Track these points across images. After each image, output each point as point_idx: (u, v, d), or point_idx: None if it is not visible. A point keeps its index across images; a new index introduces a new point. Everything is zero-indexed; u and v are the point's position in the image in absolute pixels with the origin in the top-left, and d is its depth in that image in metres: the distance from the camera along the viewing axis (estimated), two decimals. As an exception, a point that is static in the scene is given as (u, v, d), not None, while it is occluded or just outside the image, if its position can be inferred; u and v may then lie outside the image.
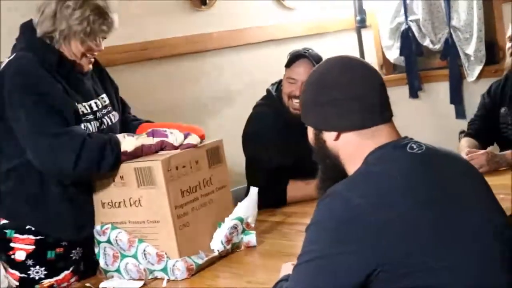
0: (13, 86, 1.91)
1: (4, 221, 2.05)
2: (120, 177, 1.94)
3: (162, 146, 1.98)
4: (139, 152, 1.95)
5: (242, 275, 1.87)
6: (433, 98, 4.24)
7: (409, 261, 1.23)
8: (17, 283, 2.04)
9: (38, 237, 2.02)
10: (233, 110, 3.52)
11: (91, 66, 2.11)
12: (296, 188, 2.58)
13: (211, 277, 1.89)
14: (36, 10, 2.00)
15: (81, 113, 2.01)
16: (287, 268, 1.55)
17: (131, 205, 1.94)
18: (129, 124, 2.26)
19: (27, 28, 2.03)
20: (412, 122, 4.18)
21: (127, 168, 1.93)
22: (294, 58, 2.67)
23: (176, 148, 1.99)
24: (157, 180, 1.87)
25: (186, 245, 1.92)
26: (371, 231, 1.23)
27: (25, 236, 2.02)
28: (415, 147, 1.37)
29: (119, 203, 1.96)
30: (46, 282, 2.03)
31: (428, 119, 4.23)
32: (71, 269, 2.07)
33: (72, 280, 2.06)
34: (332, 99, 1.39)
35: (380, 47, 4.34)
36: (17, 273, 2.04)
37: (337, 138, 1.41)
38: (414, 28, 4.08)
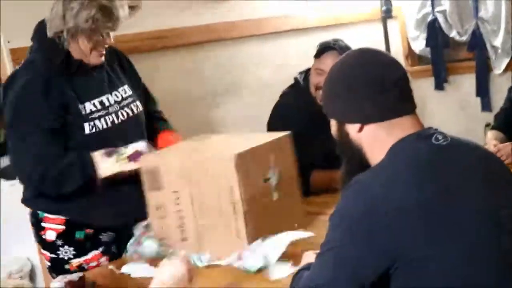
0: (10, 117, 2.01)
1: (37, 201, 2.09)
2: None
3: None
4: (114, 177, 1.99)
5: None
6: (459, 90, 4.20)
7: (422, 254, 1.22)
8: (49, 264, 2.09)
9: (68, 217, 2.06)
10: (253, 100, 3.50)
11: (102, 58, 2.12)
12: (320, 178, 2.58)
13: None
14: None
15: (86, 112, 2.04)
16: (309, 257, 1.56)
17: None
18: (149, 123, 2.26)
19: (40, 28, 2.08)
20: (437, 114, 4.15)
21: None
22: (323, 50, 2.69)
23: None
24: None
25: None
26: (390, 223, 1.23)
27: (55, 216, 2.07)
28: (440, 138, 1.35)
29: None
30: (75, 261, 2.06)
31: (454, 111, 4.19)
32: (100, 249, 2.10)
33: (102, 260, 2.09)
34: (354, 92, 1.38)
35: (405, 38, 4.30)
36: (48, 253, 2.10)
37: (360, 130, 1.40)
38: (440, 19, 4.04)
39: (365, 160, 1.42)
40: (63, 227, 2.06)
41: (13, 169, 2.09)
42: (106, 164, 1.98)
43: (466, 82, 4.13)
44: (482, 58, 3.99)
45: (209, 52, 3.37)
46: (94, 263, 2.08)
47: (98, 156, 1.99)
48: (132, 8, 2.69)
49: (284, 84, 2.92)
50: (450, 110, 4.19)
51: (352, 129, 1.41)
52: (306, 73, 2.78)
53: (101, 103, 2.09)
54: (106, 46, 2.09)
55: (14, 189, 2.49)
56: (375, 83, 1.37)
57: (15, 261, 3.30)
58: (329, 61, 2.61)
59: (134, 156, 2.00)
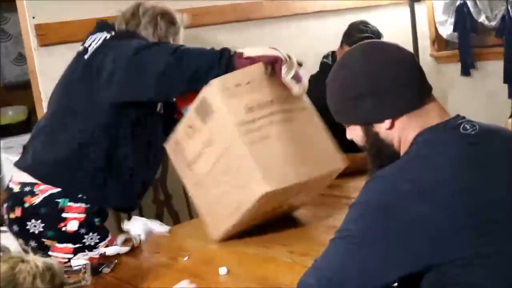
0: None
1: (53, 191, 2.02)
2: (189, 126, 1.92)
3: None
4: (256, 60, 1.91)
5: (285, 244, 1.86)
6: (486, 77, 4.13)
7: (447, 254, 1.19)
8: (71, 255, 2.00)
9: (88, 205, 2.04)
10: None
11: None
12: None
13: (252, 244, 1.89)
14: None
15: None
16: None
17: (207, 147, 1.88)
18: None
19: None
20: (463, 100, 4.09)
21: (190, 114, 1.90)
22: (358, 39, 2.61)
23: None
24: (214, 105, 1.82)
25: (267, 161, 1.80)
26: (412, 221, 1.19)
27: (78, 205, 2.03)
28: (468, 127, 1.31)
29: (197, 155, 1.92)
30: (102, 244, 2.04)
31: (479, 98, 4.13)
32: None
33: (121, 236, 2.08)
34: (374, 88, 1.33)
35: (433, 22, 4.23)
36: (69, 245, 2.02)
37: (391, 126, 1.35)
38: (470, 3, 3.96)
39: (398, 155, 1.38)
40: (84, 215, 2.03)
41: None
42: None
43: (494, 69, 4.05)
44: (510, 44, 3.91)
45: (236, 32, 3.35)
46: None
47: None
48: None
49: (312, 67, 2.90)
50: (476, 96, 4.13)
51: (381, 128, 1.36)
52: (332, 55, 2.75)
53: None
54: None
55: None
56: (397, 78, 1.33)
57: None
58: None
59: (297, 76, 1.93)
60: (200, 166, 1.90)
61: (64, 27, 2.70)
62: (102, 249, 1.95)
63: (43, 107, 2.66)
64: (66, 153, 2.03)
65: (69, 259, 1.96)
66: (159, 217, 2.60)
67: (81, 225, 2.03)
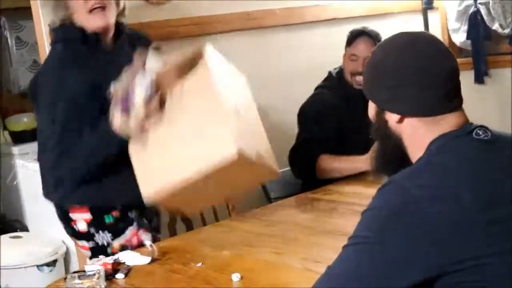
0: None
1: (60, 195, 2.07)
2: None
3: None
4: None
5: (298, 252, 1.86)
6: (500, 84, 4.12)
7: (459, 257, 1.19)
8: (90, 253, 2.07)
9: (91, 205, 2.06)
10: (290, 90, 3.47)
11: (105, 20, 2.04)
12: (326, 161, 2.63)
13: (265, 252, 1.89)
14: None
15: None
16: None
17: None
18: None
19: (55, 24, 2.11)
20: (477, 108, 4.04)
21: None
22: (355, 36, 2.77)
23: None
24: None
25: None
26: (421, 225, 1.19)
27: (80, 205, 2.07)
28: (481, 133, 1.31)
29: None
30: (116, 243, 2.07)
31: (493, 105, 4.11)
32: (135, 224, 2.11)
33: (140, 232, 2.10)
34: (401, 80, 1.32)
35: (446, 29, 4.22)
36: (86, 243, 2.09)
37: (400, 121, 1.35)
38: (483, 11, 3.95)
39: (403, 150, 1.38)
40: (90, 216, 2.06)
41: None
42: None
43: (508, 76, 4.04)
44: (524, 52, 3.90)
45: (249, 39, 3.36)
46: (135, 239, 2.08)
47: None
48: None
49: (322, 74, 2.92)
50: (490, 104, 4.12)
51: (391, 118, 1.36)
52: (340, 68, 2.81)
53: None
54: (98, 4, 2.01)
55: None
56: (426, 74, 1.31)
57: (49, 243, 3.36)
58: (362, 46, 2.73)
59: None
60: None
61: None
62: (120, 257, 1.95)
63: (57, 114, 2.67)
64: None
65: (91, 256, 2.04)
66: (172, 223, 2.60)
67: (89, 225, 2.06)
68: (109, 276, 1.79)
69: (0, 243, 3.28)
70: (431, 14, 4.00)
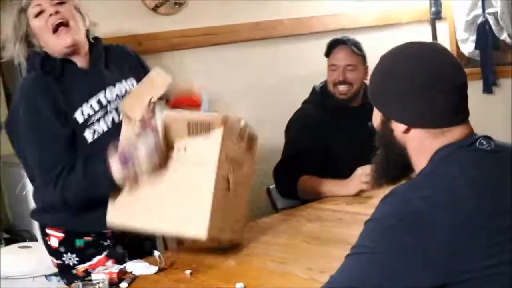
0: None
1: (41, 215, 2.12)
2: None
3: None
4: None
5: (303, 261, 1.86)
6: (508, 94, 4.10)
7: (463, 267, 1.19)
8: (57, 269, 2.10)
9: (66, 228, 2.06)
10: (298, 99, 3.46)
11: (70, 38, 1.96)
12: (306, 184, 2.60)
13: (269, 260, 1.89)
14: None
15: (84, 118, 1.96)
16: None
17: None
18: None
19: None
20: (485, 118, 4.04)
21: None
22: (333, 45, 2.79)
23: None
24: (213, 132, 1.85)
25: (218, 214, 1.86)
26: (425, 235, 1.19)
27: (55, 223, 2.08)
28: (484, 143, 1.31)
29: None
30: (81, 267, 2.05)
31: (502, 116, 4.09)
32: (104, 253, 2.06)
33: (108, 263, 2.02)
34: (408, 93, 1.32)
35: (454, 40, 4.22)
36: (54, 259, 2.10)
37: (406, 131, 1.35)
38: (491, 21, 3.95)
39: (407, 159, 1.38)
40: (62, 234, 2.05)
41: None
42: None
43: (516, 86, 4.03)
44: (532, 62, 3.89)
45: (257, 49, 3.37)
46: (101, 268, 2.00)
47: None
48: (179, 5, 2.72)
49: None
50: (499, 114, 4.10)
51: (398, 127, 1.36)
52: (325, 81, 2.83)
53: (99, 102, 2.00)
54: (59, 19, 1.94)
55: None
56: (429, 88, 1.30)
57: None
58: (340, 55, 2.76)
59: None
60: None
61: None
62: (127, 266, 1.94)
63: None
64: None
65: (58, 272, 2.10)
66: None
67: (60, 243, 2.06)
68: (114, 285, 1.79)
69: (2, 252, 3.30)
70: (439, 24, 4.01)
